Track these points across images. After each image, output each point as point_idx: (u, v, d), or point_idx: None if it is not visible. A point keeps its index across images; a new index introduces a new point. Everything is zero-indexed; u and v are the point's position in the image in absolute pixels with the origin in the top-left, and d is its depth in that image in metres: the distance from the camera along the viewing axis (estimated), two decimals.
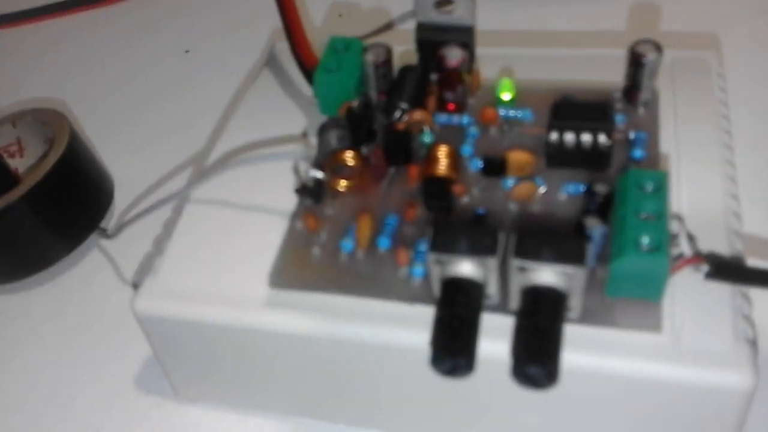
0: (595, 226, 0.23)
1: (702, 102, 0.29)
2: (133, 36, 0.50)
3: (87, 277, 0.36)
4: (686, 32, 0.36)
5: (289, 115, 0.32)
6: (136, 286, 0.33)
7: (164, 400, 0.30)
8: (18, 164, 0.38)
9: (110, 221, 0.37)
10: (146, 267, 0.34)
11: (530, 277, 0.22)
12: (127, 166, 0.40)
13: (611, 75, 0.29)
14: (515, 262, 0.21)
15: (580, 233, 0.23)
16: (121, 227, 0.34)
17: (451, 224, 0.24)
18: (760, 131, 0.34)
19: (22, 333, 0.34)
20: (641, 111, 0.28)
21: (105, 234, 0.36)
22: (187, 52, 0.48)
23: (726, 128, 0.28)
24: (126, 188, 0.39)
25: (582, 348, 0.22)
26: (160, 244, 0.28)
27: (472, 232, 0.22)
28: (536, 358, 0.20)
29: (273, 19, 0.31)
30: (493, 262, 0.22)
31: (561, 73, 0.30)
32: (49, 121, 0.37)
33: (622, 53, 0.28)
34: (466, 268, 0.22)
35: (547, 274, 0.21)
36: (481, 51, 0.30)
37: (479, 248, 0.22)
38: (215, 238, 0.28)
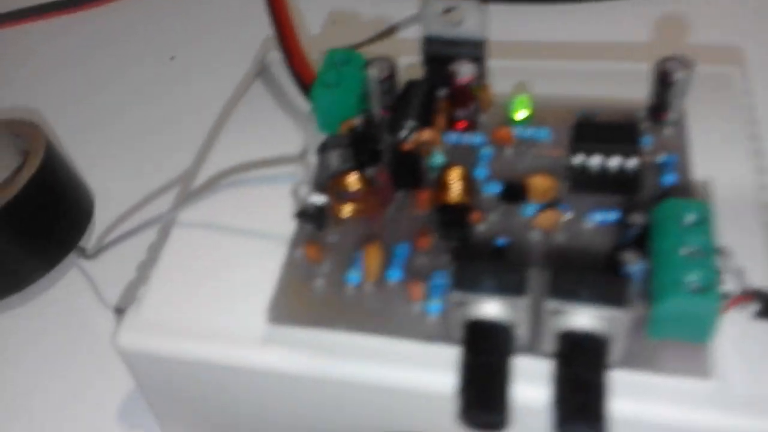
0: (634, 263, 0.21)
1: (728, 121, 0.27)
2: (113, 42, 0.47)
3: (65, 299, 0.33)
4: (707, 45, 0.34)
5: (283, 132, 0.29)
6: (120, 311, 0.30)
7: None
8: None
9: (90, 240, 0.35)
10: (129, 295, 0.31)
11: (566, 320, 0.19)
12: (108, 180, 0.37)
13: (633, 90, 0.27)
14: (549, 304, 0.19)
15: (614, 269, 0.21)
16: (102, 248, 0.31)
17: (474, 259, 0.22)
18: None
19: None
20: (668, 132, 0.26)
21: (84, 254, 0.33)
22: (172, 58, 0.45)
23: (757, 150, 0.26)
24: (107, 204, 0.36)
25: (623, 395, 0.20)
26: (143, 271, 0.26)
27: (499, 269, 0.20)
28: (582, 417, 0.18)
29: (265, 25, 0.29)
30: (522, 303, 0.19)
31: (579, 87, 0.28)
32: (22, 132, 0.35)
33: (645, 67, 0.26)
34: (491, 308, 0.20)
35: (585, 317, 0.19)
36: (493, 63, 0.28)
37: (507, 287, 0.20)
38: (205, 265, 0.25)
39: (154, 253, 0.26)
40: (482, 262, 0.20)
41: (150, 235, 0.32)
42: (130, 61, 0.46)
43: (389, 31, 0.33)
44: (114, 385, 0.29)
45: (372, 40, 0.32)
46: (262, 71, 0.33)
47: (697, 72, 0.26)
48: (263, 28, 0.40)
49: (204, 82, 0.42)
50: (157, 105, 0.42)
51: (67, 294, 0.33)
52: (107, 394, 0.29)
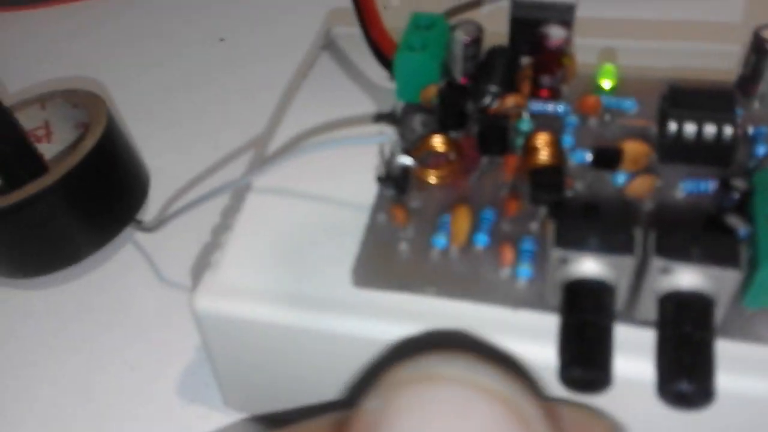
0: (741, 226, 0.20)
1: None
2: (171, 18, 0.48)
3: (121, 273, 0.33)
4: None
5: (357, 103, 0.29)
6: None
7: (211, 410, 0.27)
8: (45, 150, 0.35)
9: (145, 215, 0.35)
10: (201, 262, 0.31)
11: (672, 280, 0.19)
12: (160, 157, 0.37)
13: (720, 68, 0.27)
14: (657, 263, 0.19)
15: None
16: (163, 220, 0.31)
17: (575, 218, 0.21)
18: None
19: (48, 332, 0.31)
20: (757, 105, 0.25)
21: (142, 227, 0.33)
22: (222, 40, 0.45)
23: None
24: (160, 180, 0.36)
25: (723, 365, 0.19)
26: (217, 236, 0.25)
27: (603, 227, 0.19)
28: (689, 374, 0.18)
29: (308, 11, 0.28)
30: (629, 263, 0.19)
31: (664, 65, 0.28)
32: (80, 103, 0.34)
33: (733, 48, 0.26)
34: (594, 268, 0.19)
35: (693, 277, 0.19)
36: (577, 41, 0.28)
37: (613, 245, 0.19)
38: (282, 229, 0.25)
39: (228, 218, 0.25)
40: (585, 220, 0.20)
41: (211, 208, 0.32)
42: (182, 38, 0.46)
43: (465, 6, 0.32)
44: (170, 359, 0.29)
45: (459, 9, 0.31)
46: (327, 45, 0.32)
47: None
48: (305, 13, 0.40)
49: (255, 62, 0.42)
50: (208, 84, 0.42)
51: (123, 268, 0.33)
52: (164, 367, 0.29)
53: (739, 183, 0.21)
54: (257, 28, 0.46)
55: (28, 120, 0.35)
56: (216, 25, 0.46)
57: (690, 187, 0.23)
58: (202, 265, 0.30)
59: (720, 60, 0.27)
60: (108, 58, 0.45)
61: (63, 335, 0.31)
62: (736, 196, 0.21)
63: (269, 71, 0.41)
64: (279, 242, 0.24)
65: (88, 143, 0.31)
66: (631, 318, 0.20)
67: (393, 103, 0.27)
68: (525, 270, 0.22)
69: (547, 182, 0.23)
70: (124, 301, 0.32)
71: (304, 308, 0.23)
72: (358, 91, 0.30)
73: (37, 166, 0.33)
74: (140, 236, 0.34)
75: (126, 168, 0.34)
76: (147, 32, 0.47)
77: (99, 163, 0.32)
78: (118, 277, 0.33)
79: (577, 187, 0.24)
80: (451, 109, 0.25)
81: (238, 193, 0.27)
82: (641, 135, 0.25)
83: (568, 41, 0.26)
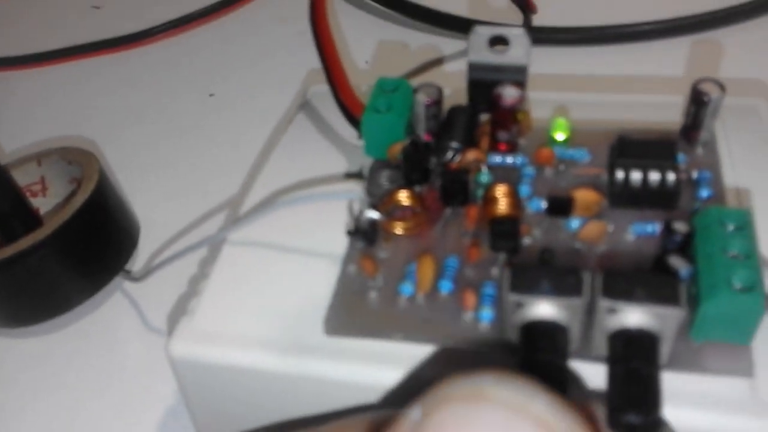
0: (682, 266, 0.22)
1: (757, 149, 0.28)
2: (160, 77, 0.50)
3: (109, 321, 0.34)
4: (734, 78, 0.35)
5: (328, 160, 0.31)
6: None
7: None
8: (40, 204, 0.37)
9: (134, 265, 0.36)
10: (180, 310, 0.32)
11: (619, 319, 0.20)
12: (150, 209, 0.39)
13: (664, 119, 0.29)
14: (604, 303, 0.20)
15: (661, 272, 0.22)
16: (150, 271, 0.32)
17: (528, 264, 0.23)
18: None
19: (41, 378, 0.32)
20: (700, 151, 0.27)
21: (131, 277, 0.34)
22: (211, 95, 0.46)
23: None
24: (149, 232, 0.38)
25: (672, 396, 0.21)
26: (195, 285, 0.27)
27: (554, 272, 0.21)
28: (637, 406, 0.19)
29: (293, 66, 0.29)
30: (578, 303, 0.20)
31: (613, 117, 0.30)
32: (75, 160, 0.36)
33: (675, 99, 0.28)
34: (547, 310, 0.21)
35: (638, 316, 0.20)
36: (531, 95, 0.30)
37: (563, 289, 0.21)
38: (257, 279, 0.26)
39: (205, 268, 0.27)
40: (537, 266, 0.21)
41: (193, 261, 0.33)
42: (172, 95, 0.48)
43: (436, 62, 0.34)
44: (154, 402, 0.31)
45: (420, 70, 0.33)
46: (304, 104, 0.34)
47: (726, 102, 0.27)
48: (291, 68, 0.42)
49: (240, 118, 0.44)
50: (197, 138, 0.44)
51: (111, 316, 0.35)
52: (148, 410, 0.30)
53: (680, 226, 0.23)
54: (245, 83, 0.48)
55: (25, 176, 0.37)
56: (205, 80, 0.48)
57: (639, 229, 0.25)
58: (179, 313, 0.32)
59: (666, 110, 0.29)
60: (103, 114, 0.47)
61: (52, 381, 0.32)
62: (678, 238, 0.23)
63: (256, 124, 0.43)
64: (253, 291, 0.26)
65: (80, 199, 0.33)
66: (586, 354, 0.22)
67: (362, 161, 0.29)
68: (487, 313, 0.23)
69: (504, 231, 0.24)
70: (112, 348, 0.33)
71: (276, 354, 0.24)
72: (332, 150, 0.31)
73: (31, 220, 0.34)
74: (128, 284, 0.35)
75: (116, 221, 0.36)
76: (140, 88, 0.49)
77: (90, 218, 0.33)
78: (107, 325, 0.34)
79: (534, 233, 0.26)
80: (415, 165, 0.26)
81: (217, 245, 0.28)
82: (594, 182, 0.27)
83: (521, 99, 0.27)
